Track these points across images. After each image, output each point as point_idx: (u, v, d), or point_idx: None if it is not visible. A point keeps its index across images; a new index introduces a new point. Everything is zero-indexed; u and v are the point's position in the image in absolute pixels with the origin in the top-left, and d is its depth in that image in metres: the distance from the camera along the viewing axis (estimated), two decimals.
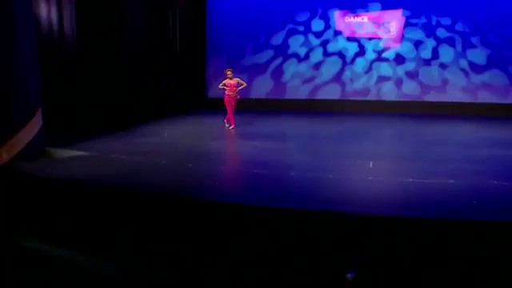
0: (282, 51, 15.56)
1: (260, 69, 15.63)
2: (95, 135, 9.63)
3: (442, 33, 14.63)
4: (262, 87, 15.51)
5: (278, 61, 15.66)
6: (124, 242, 5.25)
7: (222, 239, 5.01)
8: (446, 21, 14.60)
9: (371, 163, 7.69)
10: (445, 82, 14.69)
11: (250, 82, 14.68)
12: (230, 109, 11.06)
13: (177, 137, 10.31)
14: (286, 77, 15.68)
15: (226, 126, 11.07)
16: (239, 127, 11.34)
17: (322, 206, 5.23)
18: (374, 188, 6.30)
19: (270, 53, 15.67)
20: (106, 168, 7.21)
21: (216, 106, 14.80)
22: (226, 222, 5.11)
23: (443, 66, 14.66)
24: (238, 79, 11.19)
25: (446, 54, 14.58)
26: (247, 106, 14.07)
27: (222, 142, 9.75)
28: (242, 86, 11.16)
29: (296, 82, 15.68)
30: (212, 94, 15.94)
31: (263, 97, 15.51)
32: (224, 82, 11.10)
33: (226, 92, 11.11)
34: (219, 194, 5.86)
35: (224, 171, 7.27)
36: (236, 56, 15.66)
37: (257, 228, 4.88)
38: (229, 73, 11.08)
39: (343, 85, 15.29)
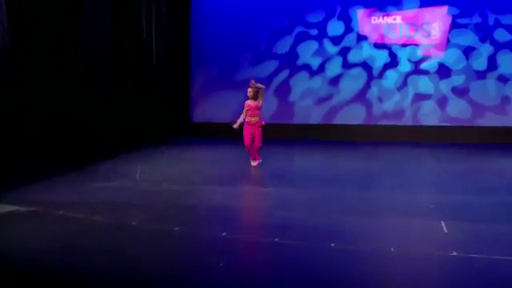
0: (290, 62, 15.27)
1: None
2: (36, 179, 8.67)
3: (501, 35, 14.09)
4: (264, 108, 14.61)
5: (284, 74, 15.33)
6: None
7: None
8: (508, 19, 14.02)
9: (443, 225, 6.23)
10: (505, 100, 14.18)
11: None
12: (248, 141, 9.98)
13: (154, 180, 9.25)
14: (295, 95, 15.32)
15: (253, 164, 10.11)
16: (237, 164, 10.71)
17: None
18: (473, 273, 4.85)
19: (273, 64, 15.36)
20: (47, 234, 5.99)
21: (204, 133, 15.11)
22: None
23: (503, 80, 14.14)
24: (260, 95, 9.98)
25: (508, 63, 14.06)
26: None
27: (220, 189, 8.53)
28: (262, 91, 10.01)
29: (307, 101, 15.21)
30: (198, 117, 15.81)
31: (265, 121, 14.69)
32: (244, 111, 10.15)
33: (246, 118, 10.03)
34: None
35: (229, 241, 5.87)
36: (229, 68, 15.46)
37: None
38: (251, 87, 10.02)
39: (369, 105, 14.96)
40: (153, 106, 13.80)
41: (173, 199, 7.78)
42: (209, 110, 15.49)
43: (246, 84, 14.55)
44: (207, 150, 13.09)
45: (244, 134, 9.96)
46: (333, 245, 5.57)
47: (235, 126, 10.07)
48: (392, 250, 5.44)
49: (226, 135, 14.19)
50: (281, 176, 9.73)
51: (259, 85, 10.00)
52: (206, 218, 6.82)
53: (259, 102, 9.88)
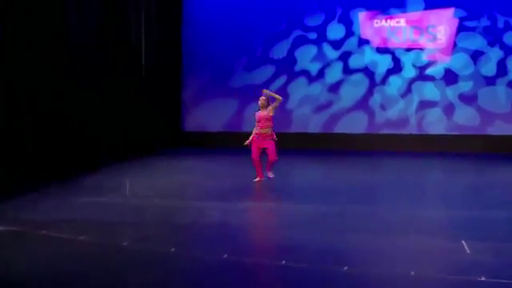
0: (287, 67, 15.33)
1: (256, 92, 14.55)
2: (14, 193, 8.42)
3: None
4: None
5: (282, 80, 15.35)
6: None
7: None
8: None
9: (465, 245, 5.94)
10: None
11: (242, 109, 15.09)
12: (256, 155, 9.54)
13: (145, 194, 8.95)
14: (293, 102, 15.29)
15: (270, 176, 9.71)
16: (234, 177, 10.58)
17: None
18: None
19: (269, 69, 15.36)
20: (29, 258, 5.62)
21: (196, 143, 15.11)
22: None
23: None
24: (272, 106, 9.51)
25: None
26: (238, 144, 14.62)
27: (218, 205, 8.19)
28: (276, 103, 9.55)
29: (306, 109, 15.22)
30: (190, 126, 15.82)
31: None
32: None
33: (256, 130, 9.56)
34: None
35: (232, 264, 5.53)
36: (223, 74, 15.47)
37: None
38: (262, 99, 9.59)
39: (371, 113, 15.01)
40: (141, 113, 13.67)
41: (167, 216, 7.47)
42: (201, 118, 15.44)
43: (240, 91, 15.13)
44: (200, 160, 12.88)
45: (252, 146, 9.52)
46: (345, 268, 5.23)
47: (247, 142, 9.63)
48: (412, 273, 5.10)
49: (220, 145, 14.59)
50: (281, 189, 9.48)
51: (276, 96, 9.59)
52: (205, 238, 6.47)
53: (270, 112, 9.42)
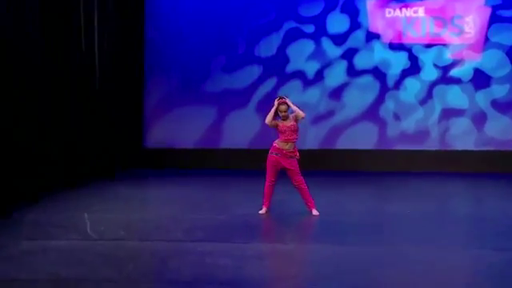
0: (277, 68, 15.03)
1: (238, 98, 15.08)
2: None
3: None
4: (243, 130, 14.99)
5: (270, 84, 14.92)
6: None
7: None
8: None
9: None
10: None
11: (219, 120, 15.19)
12: (271, 177, 8.99)
13: (115, 235, 7.89)
14: None
15: (315, 213, 9.14)
16: (222, 206, 10.26)
17: None
18: None
19: (255, 71, 15.09)
20: None
21: (159, 164, 14.89)
22: None
23: None
24: (294, 115, 8.93)
25: None
26: (216, 164, 14.76)
27: (219, 248, 7.20)
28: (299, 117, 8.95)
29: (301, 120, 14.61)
30: (154, 141, 15.42)
31: (244, 146, 15.06)
32: (275, 121, 9.08)
33: (276, 143, 8.83)
34: None
35: None
36: (195, 77, 15.11)
37: None
38: (282, 106, 8.87)
39: (383, 125, 14.81)
40: (94, 127, 13.22)
41: (157, 268, 6.38)
42: (168, 131, 15.09)
43: (217, 97, 14.85)
44: (174, 186, 12.29)
45: (268, 165, 8.91)
46: None
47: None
48: None
49: (193, 166, 14.64)
50: (292, 225, 8.99)
51: (299, 112, 8.88)
52: None
53: (295, 121, 8.81)
